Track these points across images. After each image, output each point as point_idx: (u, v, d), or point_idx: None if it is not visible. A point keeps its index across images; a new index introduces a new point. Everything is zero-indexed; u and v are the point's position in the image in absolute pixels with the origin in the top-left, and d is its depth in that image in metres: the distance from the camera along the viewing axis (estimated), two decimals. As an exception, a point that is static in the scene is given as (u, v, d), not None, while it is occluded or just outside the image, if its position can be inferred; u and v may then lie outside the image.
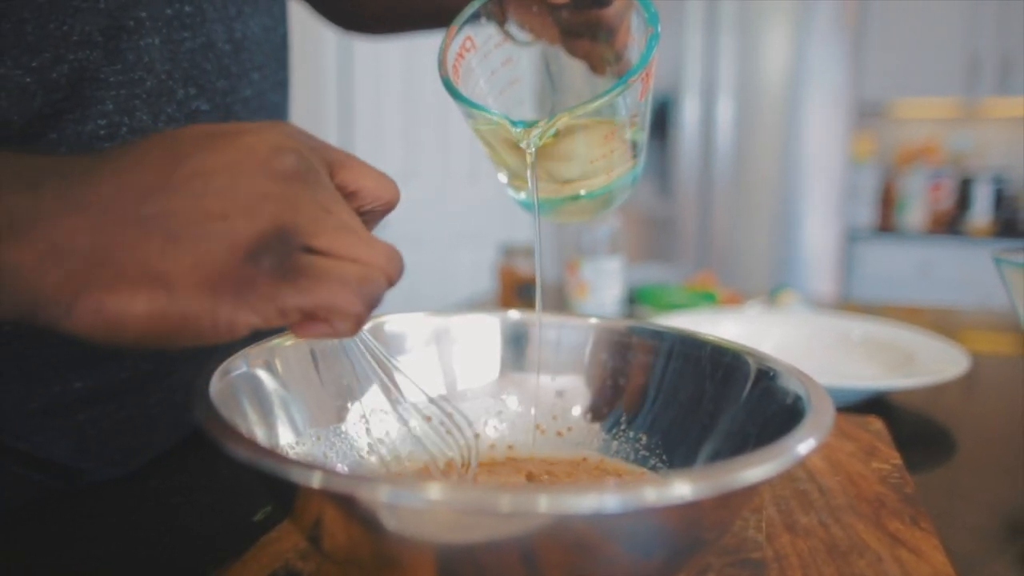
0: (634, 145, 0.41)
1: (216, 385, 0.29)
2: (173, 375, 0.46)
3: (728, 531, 0.34)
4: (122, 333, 0.23)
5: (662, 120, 2.66)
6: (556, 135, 0.36)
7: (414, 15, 0.57)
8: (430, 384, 0.41)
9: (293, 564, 0.32)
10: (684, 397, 0.39)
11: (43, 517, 0.41)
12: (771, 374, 0.34)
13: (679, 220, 2.68)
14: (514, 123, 0.36)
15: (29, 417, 0.40)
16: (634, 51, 0.41)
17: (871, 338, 0.73)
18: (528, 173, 0.37)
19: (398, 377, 0.40)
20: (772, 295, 0.99)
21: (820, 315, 0.81)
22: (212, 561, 0.33)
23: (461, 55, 0.39)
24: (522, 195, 0.41)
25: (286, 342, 0.36)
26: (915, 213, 2.89)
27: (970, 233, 2.80)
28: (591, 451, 0.41)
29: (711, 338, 0.39)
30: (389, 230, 1.95)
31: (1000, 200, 2.85)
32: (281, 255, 0.24)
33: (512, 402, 0.43)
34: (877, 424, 0.51)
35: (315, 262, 0.25)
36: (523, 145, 0.36)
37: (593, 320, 0.43)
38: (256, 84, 0.48)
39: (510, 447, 0.42)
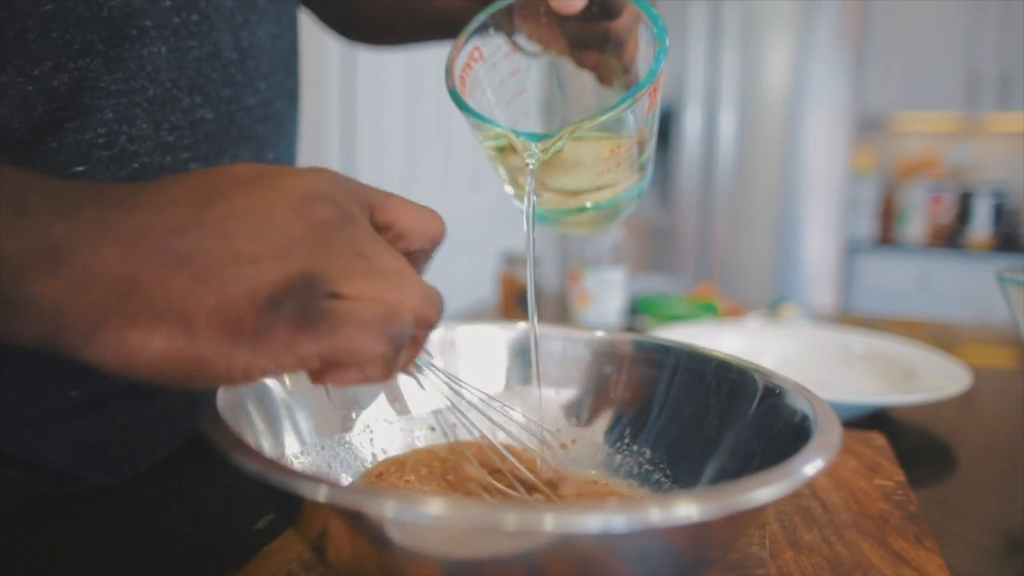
0: (641, 158, 0.41)
1: (223, 394, 0.29)
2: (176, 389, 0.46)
3: (733, 549, 0.34)
4: (138, 368, 0.23)
5: (664, 130, 2.67)
6: (563, 148, 0.36)
7: (420, 25, 0.58)
8: (436, 396, 0.41)
9: (297, 574, 0.32)
10: (689, 412, 0.39)
11: (39, 524, 0.41)
12: (777, 391, 0.34)
13: (680, 230, 2.68)
14: (518, 135, 0.36)
15: (26, 425, 0.40)
16: (642, 64, 0.41)
17: (872, 353, 0.73)
18: (527, 185, 0.37)
19: (406, 388, 0.40)
20: (773, 308, 0.99)
21: (821, 329, 0.81)
22: (213, 571, 0.32)
23: (469, 65, 0.39)
24: (523, 205, 0.42)
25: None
26: (915, 226, 2.89)
27: (970, 247, 2.81)
28: (595, 465, 0.41)
29: (716, 353, 0.39)
30: (390, 236, 1.94)
31: (1000, 215, 2.86)
32: (304, 302, 0.24)
33: (516, 415, 0.42)
34: (880, 440, 0.51)
35: (336, 306, 0.24)
36: (526, 157, 0.36)
37: (598, 333, 0.43)
38: (262, 92, 0.48)
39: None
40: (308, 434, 0.36)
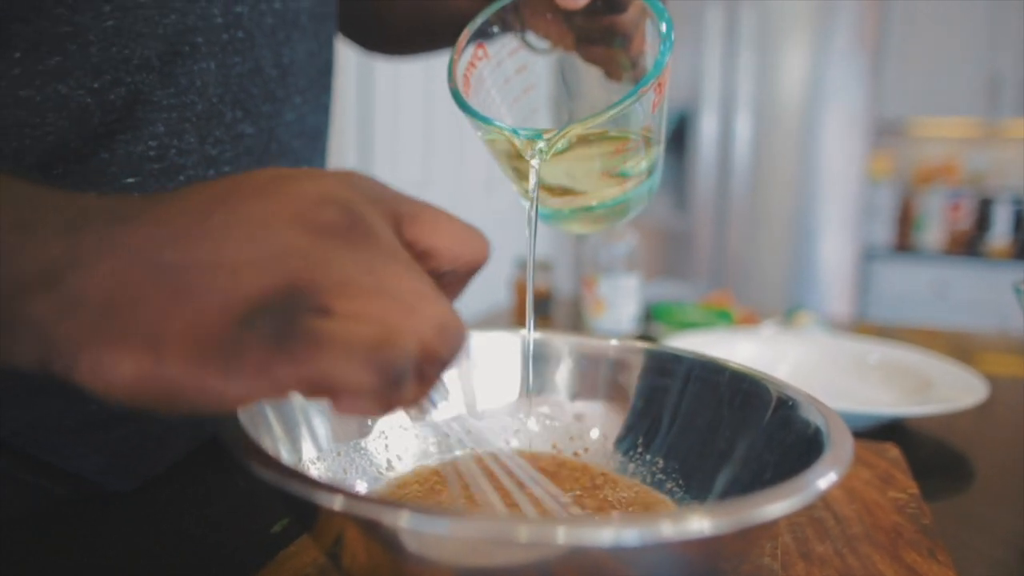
0: (648, 157, 0.40)
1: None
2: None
3: (745, 561, 0.34)
4: (115, 393, 0.21)
5: (680, 135, 2.66)
6: (567, 146, 0.36)
7: (435, 29, 0.58)
8: (450, 403, 0.42)
9: (312, 580, 0.33)
10: (702, 422, 0.39)
11: (55, 527, 0.41)
12: (790, 403, 0.34)
13: (695, 236, 2.68)
14: (517, 132, 0.35)
15: (65, 433, 0.41)
16: (649, 59, 0.41)
17: (888, 362, 0.72)
18: (530, 184, 0.36)
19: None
20: (788, 315, 0.99)
21: (836, 337, 0.81)
22: (229, 574, 0.33)
23: (473, 64, 0.39)
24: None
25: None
26: (933, 233, 2.87)
27: (989, 254, 2.78)
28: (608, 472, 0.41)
29: (730, 364, 0.39)
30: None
31: (1020, 221, 2.82)
32: (282, 319, 0.21)
33: (531, 422, 0.43)
34: (894, 451, 0.51)
35: (322, 326, 0.21)
36: (527, 156, 0.35)
37: (613, 342, 0.43)
38: (298, 108, 0.49)
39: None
40: (325, 440, 0.36)
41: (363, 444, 0.39)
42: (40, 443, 0.41)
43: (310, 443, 0.35)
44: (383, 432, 0.40)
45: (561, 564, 0.23)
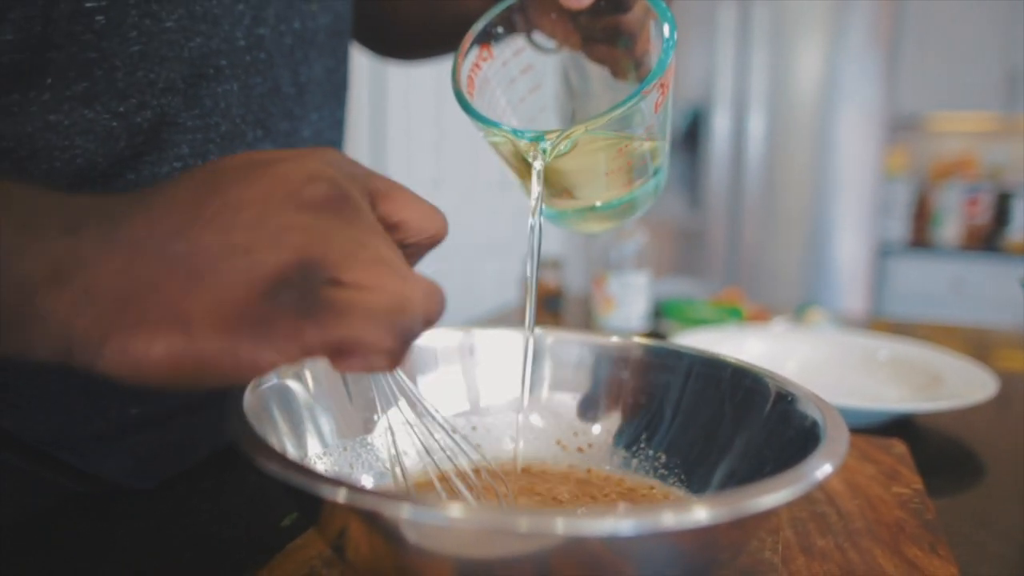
0: (653, 156, 0.41)
1: (249, 397, 0.31)
2: (224, 401, 0.48)
3: (741, 552, 0.34)
4: (146, 376, 0.23)
5: (693, 133, 2.66)
6: (569, 148, 0.36)
7: (442, 31, 0.58)
8: (454, 400, 0.42)
9: (318, 571, 0.33)
10: (703, 417, 0.39)
11: (74, 522, 0.42)
12: (789, 398, 0.34)
13: (708, 233, 2.67)
14: (518, 133, 0.35)
15: (88, 438, 0.42)
16: (654, 59, 0.41)
17: (898, 358, 0.72)
18: (532, 184, 0.36)
19: (427, 391, 0.41)
20: (799, 312, 0.99)
21: (846, 334, 0.81)
22: (239, 566, 0.34)
23: (477, 65, 0.39)
24: (543, 207, 0.42)
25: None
26: (950, 228, 2.84)
27: (1007, 250, 2.75)
28: (611, 468, 0.41)
29: (732, 359, 0.39)
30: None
31: (1039, 216, 2.79)
32: (303, 289, 0.23)
33: (535, 418, 0.43)
34: (900, 447, 0.51)
35: (340, 295, 0.23)
36: (530, 158, 0.35)
37: (614, 339, 0.43)
38: (315, 124, 0.50)
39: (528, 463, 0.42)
40: (330, 436, 0.37)
41: (369, 440, 0.39)
42: (63, 447, 0.42)
43: (316, 439, 0.36)
44: (389, 428, 0.41)
45: (558, 555, 0.24)
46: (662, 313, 1.00)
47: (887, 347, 0.75)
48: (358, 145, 1.96)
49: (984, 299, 2.64)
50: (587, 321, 1.07)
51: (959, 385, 0.63)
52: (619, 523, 0.22)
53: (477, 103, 0.38)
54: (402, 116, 2.06)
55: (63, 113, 0.35)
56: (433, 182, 2.17)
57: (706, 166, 2.64)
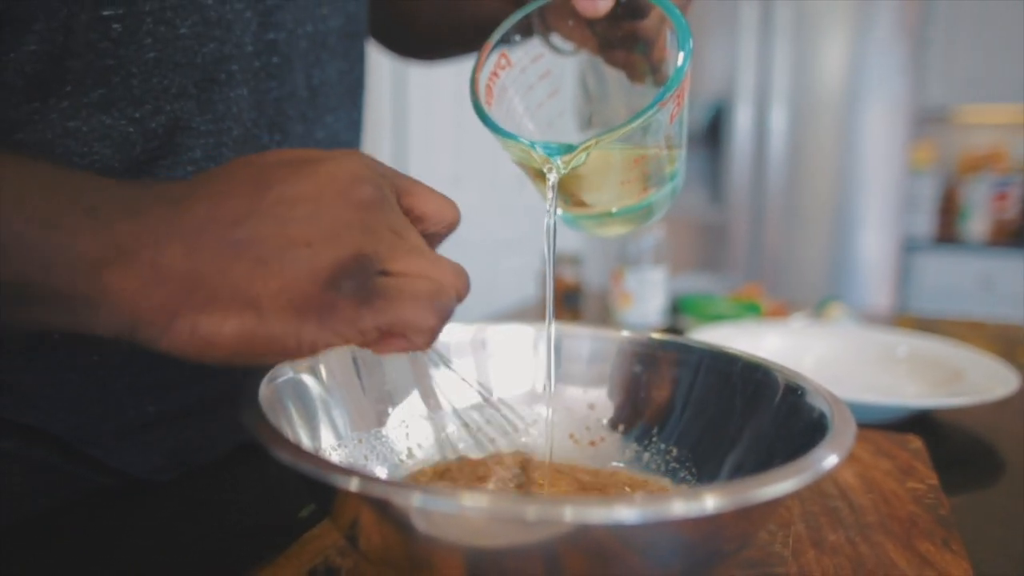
0: (669, 162, 0.41)
1: (264, 390, 0.31)
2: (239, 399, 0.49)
3: (748, 544, 0.34)
4: (214, 352, 0.25)
5: (715, 127, 2.64)
6: (586, 159, 0.36)
7: (462, 32, 0.59)
8: (467, 393, 0.43)
9: (332, 560, 0.34)
10: (714, 411, 0.39)
11: (100, 512, 0.44)
12: (799, 391, 0.35)
13: (730, 229, 2.65)
14: (534, 147, 0.36)
15: (108, 435, 0.44)
16: (670, 65, 0.41)
17: (917, 354, 0.72)
18: (548, 198, 0.37)
19: (440, 384, 0.42)
20: (819, 308, 0.98)
21: (866, 329, 0.80)
22: (257, 555, 0.35)
23: (495, 74, 0.39)
24: (559, 212, 0.42)
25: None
26: (978, 223, 2.79)
27: (1037, 244, 2.69)
28: (622, 462, 0.42)
29: (741, 353, 0.39)
30: (438, 235, 1.96)
31: (1071, 210, 2.73)
32: (360, 280, 0.26)
33: (547, 412, 0.44)
34: (916, 443, 0.50)
35: (390, 283, 0.27)
36: (545, 171, 0.36)
37: (624, 333, 0.44)
38: (330, 126, 0.50)
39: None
40: (344, 428, 0.38)
41: (383, 432, 0.40)
42: (84, 443, 0.44)
43: (330, 431, 0.36)
44: (403, 421, 0.41)
45: (564, 543, 0.24)
46: (680, 309, 1.00)
47: (907, 343, 0.74)
48: (380, 144, 1.98)
49: (1013, 295, 2.59)
50: (604, 317, 1.07)
51: (980, 381, 0.62)
52: (624, 511, 0.22)
53: (496, 111, 0.38)
54: (423, 115, 2.07)
55: (81, 119, 0.36)
56: (453, 179, 2.18)
57: (728, 161, 2.62)
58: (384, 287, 0.27)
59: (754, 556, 0.35)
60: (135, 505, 0.44)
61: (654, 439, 0.41)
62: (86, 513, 0.43)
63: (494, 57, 0.40)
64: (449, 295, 0.28)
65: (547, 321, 0.39)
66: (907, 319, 1.11)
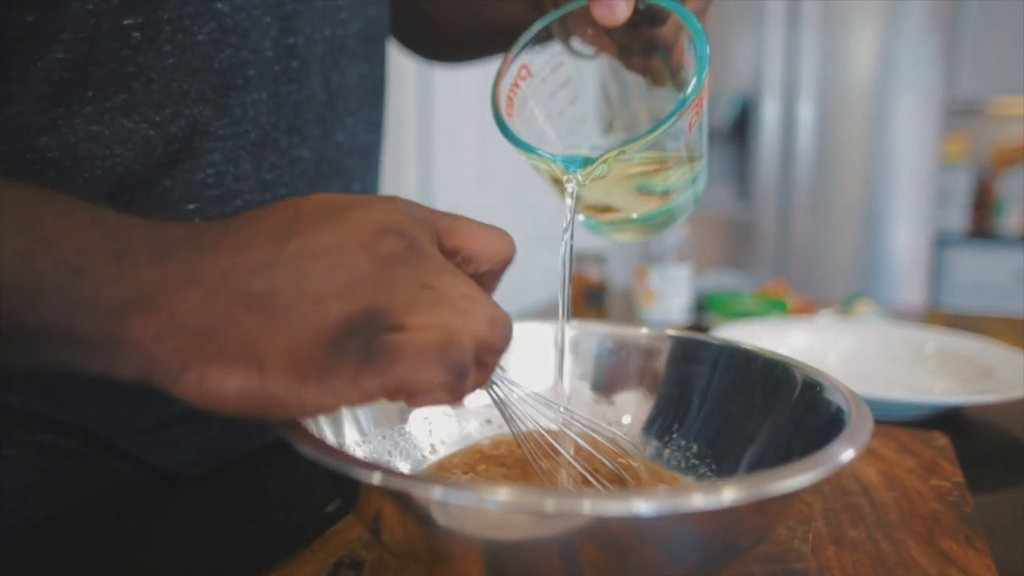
0: (691, 171, 0.41)
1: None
2: None
3: (765, 538, 0.35)
4: (219, 406, 0.25)
5: (741, 122, 2.61)
6: (605, 173, 0.36)
7: (484, 36, 0.59)
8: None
9: (357, 553, 0.35)
10: (734, 408, 0.39)
11: (135, 505, 0.45)
12: (817, 387, 0.35)
13: (758, 225, 2.62)
14: (555, 159, 0.36)
15: (136, 432, 0.45)
16: (688, 72, 0.41)
17: (945, 350, 0.71)
18: (567, 209, 0.37)
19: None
20: (846, 304, 0.97)
21: (893, 326, 0.79)
22: (284, 548, 0.36)
23: (516, 84, 0.40)
24: (580, 217, 0.43)
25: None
26: (1014, 217, 2.73)
27: (1075, 238, 2.63)
28: (644, 458, 0.42)
29: (761, 350, 0.39)
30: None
31: (1110, 203, 2.66)
32: (367, 337, 0.24)
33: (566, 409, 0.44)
34: (942, 440, 0.50)
35: (395, 339, 0.24)
36: (565, 183, 0.36)
37: (643, 331, 0.44)
38: (349, 128, 0.51)
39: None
40: (368, 425, 0.38)
41: (407, 429, 0.41)
42: (118, 437, 0.45)
43: (354, 427, 0.37)
44: (427, 417, 0.42)
45: (580, 536, 0.25)
46: (705, 306, 1.00)
47: (935, 339, 0.73)
48: (405, 145, 1.99)
49: (1051, 290, 2.53)
50: (629, 314, 1.07)
51: (1010, 378, 0.61)
52: (641, 504, 0.23)
53: (517, 122, 0.39)
54: (448, 116, 2.08)
55: (104, 124, 0.37)
56: (479, 179, 2.19)
57: (755, 157, 2.59)
58: (388, 344, 0.24)
59: (773, 552, 0.35)
60: (167, 498, 0.46)
61: (674, 436, 0.42)
62: (119, 505, 0.45)
63: (514, 68, 0.40)
64: (461, 346, 0.25)
65: (560, 345, 0.39)
66: (939, 315, 1.10)
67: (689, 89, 0.35)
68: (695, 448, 0.40)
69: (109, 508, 0.45)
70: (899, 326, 0.79)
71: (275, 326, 0.24)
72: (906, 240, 2.45)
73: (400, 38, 0.68)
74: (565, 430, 0.37)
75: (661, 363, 0.43)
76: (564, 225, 0.38)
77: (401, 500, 0.26)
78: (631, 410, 0.43)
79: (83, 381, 0.42)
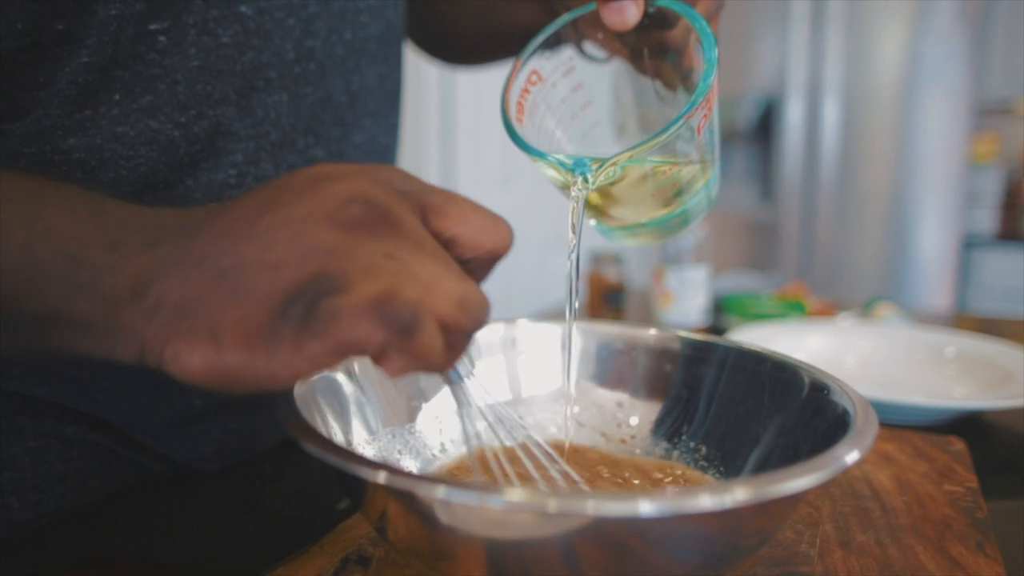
0: (702, 171, 0.41)
1: (299, 386, 0.33)
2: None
3: (768, 540, 0.34)
4: (195, 380, 0.25)
5: (765, 123, 2.59)
6: (613, 178, 0.36)
7: (498, 40, 0.60)
8: (498, 391, 0.44)
9: (365, 549, 0.36)
10: (742, 410, 0.39)
11: (154, 499, 0.46)
12: (825, 390, 0.35)
13: (781, 226, 2.60)
14: (563, 165, 0.36)
15: (158, 425, 0.46)
16: (698, 75, 0.41)
17: (966, 355, 0.70)
18: (575, 215, 0.37)
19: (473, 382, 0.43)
20: (867, 307, 0.96)
21: (913, 329, 0.78)
22: (295, 543, 0.36)
23: (527, 90, 0.40)
24: (592, 222, 0.43)
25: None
26: (1045, 219, 2.68)
27: (1109, 241, 2.57)
28: (652, 459, 0.42)
29: (769, 352, 0.39)
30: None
31: None
32: (308, 303, 0.24)
33: (577, 409, 0.44)
34: (958, 445, 0.49)
35: (333, 301, 0.24)
36: (572, 187, 0.36)
37: (652, 331, 0.44)
38: (368, 130, 0.52)
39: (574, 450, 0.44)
40: (376, 423, 0.39)
41: (417, 428, 0.41)
42: (139, 430, 0.46)
43: (362, 426, 0.38)
44: (436, 416, 0.43)
45: (578, 535, 0.25)
46: (723, 308, 0.99)
47: (955, 343, 0.72)
48: (428, 147, 2.00)
49: (1083, 294, 2.48)
50: (647, 316, 1.07)
51: (1032, 383, 0.61)
52: (642, 505, 0.23)
53: (527, 127, 0.39)
54: (471, 117, 2.09)
55: (129, 125, 0.38)
56: (501, 180, 2.19)
57: (779, 157, 2.57)
58: (326, 307, 0.23)
59: (780, 555, 0.35)
60: (185, 491, 0.47)
61: (683, 437, 0.42)
62: (140, 498, 0.46)
63: (524, 74, 0.40)
64: (398, 302, 0.23)
65: (568, 326, 0.40)
66: (967, 319, 1.08)
67: (695, 92, 0.35)
68: (704, 450, 0.40)
69: (130, 500, 0.46)
70: (919, 329, 0.78)
71: (234, 298, 0.24)
72: (933, 242, 2.41)
73: (416, 40, 0.68)
74: (514, 446, 0.36)
75: (670, 365, 0.43)
76: (572, 229, 0.38)
77: (405, 499, 0.26)
78: (640, 411, 0.43)
79: (110, 374, 0.43)
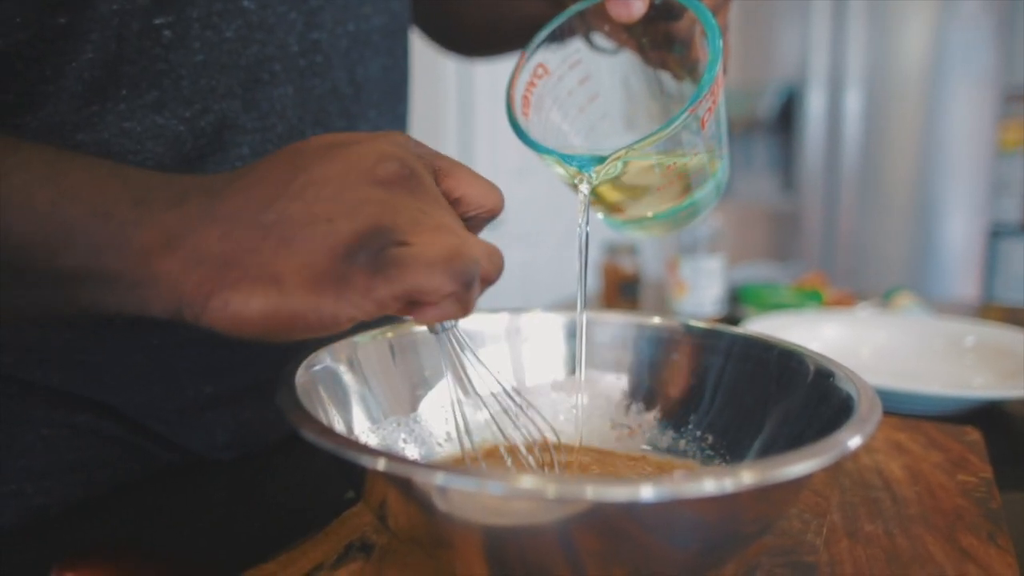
0: (710, 162, 0.40)
1: (301, 375, 0.33)
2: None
3: (770, 527, 0.34)
4: (245, 328, 0.26)
5: (786, 112, 2.56)
6: (618, 172, 0.36)
7: (506, 33, 0.60)
8: (505, 380, 0.44)
9: (368, 537, 0.36)
10: (748, 399, 0.39)
11: (168, 488, 0.47)
12: (830, 377, 0.34)
13: (803, 216, 2.57)
14: (567, 160, 0.36)
15: (169, 413, 0.47)
16: (703, 67, 0.40)
17: (986, 344, 0.68)
18: (580, 212, 0.37)
19: (476, 370, 0.43)
20: (886, 297, 0.95)
21: (931, 319, 0.77)
22: (301, 530, 0.36)
23: (532, 83, 0.40)
24: (600, 215, 0.43)
25: (366, 338, 0.39)
26: (1075, 207, 2.62)
27: None
28: (659, 449, 0.42)
29: (775, 341, 0.39)
30: (504, 228, 1.99)
31: None
32: (375, 251, 0.26)
33: (583, 398, 0.44)
34: (974, 435, 0.49)
35: (404, 252, 0.26)
36: (577, 182, 0.36)
37: (657, 320, 0.44)
38: (373, 120, 0.52)
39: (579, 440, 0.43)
40: (379, 412, 0.39)
41: (421, 416, 0.41)
42: (151, 418, 0.47)
43: (364, 415, 0.38)
44: (441, 405, 0.43)
45: (576, 521, 0.25)
46: (739, 298, 0.98)
47: (975, 332, 0.71)
48: (446, 137, 2.00)
49: (1114, 283, 2.42)
50: (662, 306, 1.07)
51: (1053, 372, 0.59)
52: (638, 490, 0.23)
53: (533, 121, 0.38)
54: (488, 108, 2.09)
55: (136, 120, 0.39)
56: (518, 172, 2.19)
57: (800, 147, 2.54)
58: (397, 256, 0.26)
59: (785, 544, 0.35)
60: (196, 480, 0.47)
61: (689, 426, 0.41)
62: (151, 486, 0.47)
63: (530, 67, 0.40)
64: (467, 259, 0.26)
65: (579, 341, 0.39)
66: (993, 309, 1.06)
67: (699, 83, 0.34)
68: (710, 439, 0.40)
69: (141, 488, 0.46)
70: (939, 319, 0.77)
71: (290, 247, 0.26)
72: (959, 232, 2.37)
73: (427, 32, 0.68)
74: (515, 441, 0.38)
75: (677, 353, 0.42)
76: (579, 223, 0.38)
77: (403, 486, 0.26)
78: (647, 400, 0.43)
79: (122, 361, 0.44)
